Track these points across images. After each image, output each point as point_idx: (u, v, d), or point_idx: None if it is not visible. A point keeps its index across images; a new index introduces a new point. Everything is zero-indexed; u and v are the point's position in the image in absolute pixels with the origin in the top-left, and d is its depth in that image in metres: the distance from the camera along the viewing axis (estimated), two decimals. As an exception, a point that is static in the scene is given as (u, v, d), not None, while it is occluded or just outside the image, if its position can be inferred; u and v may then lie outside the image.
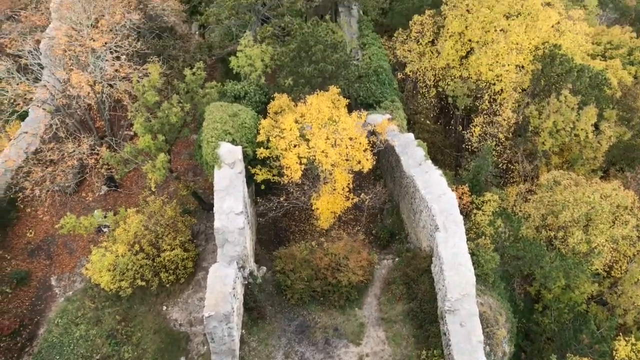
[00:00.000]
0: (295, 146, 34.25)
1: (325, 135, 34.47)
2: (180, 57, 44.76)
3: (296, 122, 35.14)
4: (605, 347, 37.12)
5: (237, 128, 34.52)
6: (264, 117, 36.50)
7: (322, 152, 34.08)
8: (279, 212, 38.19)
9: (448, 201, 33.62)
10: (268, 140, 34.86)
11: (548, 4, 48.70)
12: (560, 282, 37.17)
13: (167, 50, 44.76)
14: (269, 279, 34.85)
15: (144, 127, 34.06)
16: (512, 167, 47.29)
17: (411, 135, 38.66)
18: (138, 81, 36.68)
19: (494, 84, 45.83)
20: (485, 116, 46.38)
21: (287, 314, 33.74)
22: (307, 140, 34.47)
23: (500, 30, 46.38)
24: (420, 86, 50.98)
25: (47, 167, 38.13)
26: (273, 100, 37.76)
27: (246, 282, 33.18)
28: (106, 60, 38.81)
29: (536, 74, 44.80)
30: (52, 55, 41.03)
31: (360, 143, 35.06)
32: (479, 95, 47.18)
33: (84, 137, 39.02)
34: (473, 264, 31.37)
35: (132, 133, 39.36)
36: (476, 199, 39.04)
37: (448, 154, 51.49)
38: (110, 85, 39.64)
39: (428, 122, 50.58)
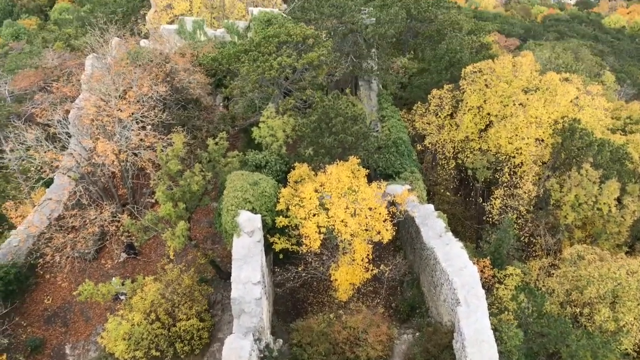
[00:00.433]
0: (314, 215, 34.25)
1: (344, 204, 34.49)
2: (204, 128, 45.81)
3: (316, 191, 35.30)
4: None
5: (257, 196, 34.74)
6: (284, 186, 36.76)
7: (342, 221, 33.99)
8: (296, 283, 37.72)
9: (470, 275, 32.95)
10: (287, 209, 34.95)
11: (566, 80, 49.45)
12: (588, 361, 35.59)
13: (192, 121, 45.90)
14: (285, 352, 33.92)
15: (165, 195, 34.46)
16: (534, 240, 46.51)
17: (431, 207, 38.50)
18: (162, 150, 37.45)
19: (514, 157, 45.90)
20: (505, 189, 46.17)
21: (303, 390, 32.60)
22: (327, 210, 34.48)
23: (519, 104, 46.95)
24: (439, 158, 51.28)
25: (68, 234, 38.48)
26: (293, 169, 38.15)
27: (262, 355, 32.31)
28: (132, 129, 39.85)
29: (556, 147, 44.87)
30: (80, 125, 42.31)
31: (379, 213, 34.95)
32: (499, 168, 47.18)
33: (106, 204, 39.55)
34: (496, 340, 30.33)
35: (153, 201, 39.76)
36: (498, 272, 38.23)
37: (469, 226, 51.02)
38: (135, 154, 40.50)
39: (448, 193, 50.54)
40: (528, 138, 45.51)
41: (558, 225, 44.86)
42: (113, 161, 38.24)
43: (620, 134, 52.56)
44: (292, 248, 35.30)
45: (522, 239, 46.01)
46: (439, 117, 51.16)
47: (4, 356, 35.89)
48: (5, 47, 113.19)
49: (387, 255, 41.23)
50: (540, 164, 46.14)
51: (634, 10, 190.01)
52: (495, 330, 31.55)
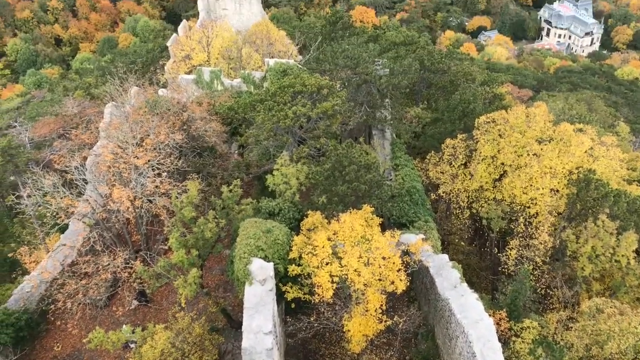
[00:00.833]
0: (327, 264, 33.95)
1: (358, 253, 34.20)
2: (219, 175, 46.21)
3: (329, 239, 35.11)
4: None
5: (270, 244, 34.63)
6: (297, 234, 36.65)
7: (355, 270, 33.63)
8: (308, 333, 37.04)
9: (485, 327, 32.20)
10: (300, 257, 34.72)
11: (580, 130, 49.48)
12: (611, 420, 34.29)
13: (207, 168, 46.37)
14: (296, 405, 33.12)
15: (178, 241, 34.48)
16: (551, 292, 45.59)
17: (445, 257, 38.05)
18: (177, 197, 37.71)
19: (529, 207, 45.56)
20: (521, 239, 45.64)
21: None
22: (340, 259, 34.20)
23: (533, 155, 46.91)
24: (453, 207, 51.04)
25: (81, 280, 38.42)
26: (306, 217, 38.11)
27: (272, 408, 31.52)
28: (148, 177, 40.28)
29: (571, 198, 44.51)
30: (96, 171, 42.89)
31: (393, 263, 34.57)
32: (514, 218, 46.78)
33: (119, 250, 39.62)
34: (514, 396, 29.39)
35: (166, 247, 39.79)
36: (514, 325, 37.36)
37: (484, 277, 50.26)
38: (150, 201, 40.79)
39: (462, 243, 50.06)
40: (543, 188, 45.26)
41: (575, 277, 44.03)
42: (128, 208, 38.50)
43: (637, 185, 52.08)
44: (304, 297, 34.87)
45: (538, 290, 45.15)
46: (453, 166, 51.19)
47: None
48: (27, 95, 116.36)
49: (400, 306, 40.54)
50: (556, 214, 45.70)
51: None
52: (512, 385, 30.62)
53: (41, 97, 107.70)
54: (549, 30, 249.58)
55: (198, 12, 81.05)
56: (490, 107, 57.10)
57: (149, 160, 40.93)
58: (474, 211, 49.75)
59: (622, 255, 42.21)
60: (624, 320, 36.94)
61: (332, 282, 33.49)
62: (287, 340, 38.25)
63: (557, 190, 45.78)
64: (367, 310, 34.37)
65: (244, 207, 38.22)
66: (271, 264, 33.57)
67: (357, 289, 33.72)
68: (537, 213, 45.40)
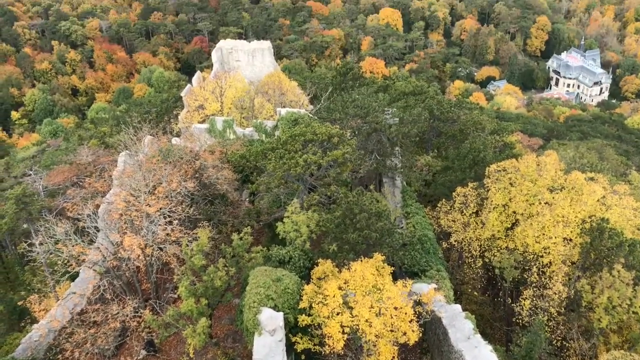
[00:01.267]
0: (338, 314, 33.49)
1: (369, 303, 33.75)
2: (229, 222, 46.28)
3: (340, 288, 34.75)
4: None
5: (280, 293, 34.32)
6: (308, 283, 36.33)
7: (366, 321, 33.12)
8: (319, 385, 36.24)
9: (500, 380, 31.39)
10: (310, 307, 34.30)
11: (592, 179, 49.31)
12: None
13: (218, 216, 46.49)
14: None
15: (188, 290, 34.29)
16: (567, 344, 44.46)
17: (458, 307, 37.43)
18: (187, 245, 37.72)
19: (542, 256, 45.01)
20: (534, 289, 44.91)
21: None
22: (351, 309, 33.75)
23: (545, 203, 46.67)
24: (466, 256, 50.54)
25: (90, 329, 38.11)
26: (317, 265, 37.85)
27: None
28: (159, 224, 40.45)
29: (585, 247, 43.96)
30: (108, 219, 43.13)
31: (405, 313, 34.04)
32: (527, 267, 46.18)
33: (129, 299, 39.41)
34: None
35: (176, 296, 39.54)
36: (531, 378, 36.39)
37: (498, 327, 49.25)
38: (160, 249, 40.81)
39: (475, 293, 49.31)
40: (556, 237, 44.81)
41: (592, 329, 43.01)
42: (139, 255, 38.53)
43: (652, 234, 51.43)
44: (314, 348, 34.27)
45: (554, 342, 44.08)
46: (464, 214, 50.98)
47: None
48: (43, 144, 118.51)
49: (413, 358, 39.70)
50: (570, 263, 45.07)
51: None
52: None
53: (56, 145, 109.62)
54: (557, 80, 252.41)
55: (212, 64, 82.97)
56: (500, 155, 57.26)
57: (160, 208, 41.17)
58: (487, 260, 49.20)
59: (640, 307, 41.36)
60: (644, 374, 35.87)
61: (343, 332, 32.96)
62: (297, 393, 37.37)
63: (570, 239, 45.28)
64: (378, 362, 33.67)
65: (254, 255, 38.10)
66: (281, 313, 33.19)
67: (369, 340, 33.14)
68: (550, 262, 44.80)
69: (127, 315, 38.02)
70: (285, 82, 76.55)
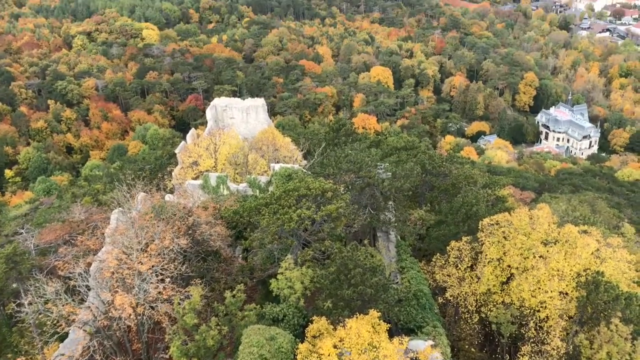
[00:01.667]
0: (333, 373, 32.75)
1: (365, 362, 33.06)
2: (222, 279, 45.71)
3: (335, 347, 34.08)
4: None
5: (274, 353, 33.60)
6: (302, 341, 35.62)
7: (362, 380, 32.37)
8: None
9: None
10: (305, 367, 33.54)
11: (585, 232, 49.41)
12: None
13: (210, 273, 45.98)
14: None
15: (180, 350, 33.57)
16: (569, 402, 43.48)
17: (456, 364, 36.73)
18: (179, 303, 37.13)
19: (539, 311, 44.57)
20: (533, 345, 44.23)
21: None
22: (346, 367, 33.03)
23: (539, 257, 46.57)
24: (462, 311, 49.94)
25: (77, 392, 36.97)
26: (311, 323, 37.21)
27: None
28: (151, 282, 39.91)
29: (582, 301, 43.62)
30: (100, 278, 42.52)
31: (402, 371, 33.32)
32: (524, 322, 45.62)
33: (119, 359, 38.41)
34: None
35: (167, 356, 38.59)
36: None
37: (497, 385, 48.14)
38: (152, 307, 40.12)
39: (473, 349, 48.45)
40: (552, 291, 44.51)
41: (593, 385, 42.13)
42: (130, 314, 37.83)
43: (648, 287, 51.16)
44: (309, 409, 33.31)
45: (555, 400, 43.07)
46: (459, 269, 50.69)
47: None
48: (36, 202, 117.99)
49: (411, 418, 38.49)
50: (567, 318, 44.59)
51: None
52: None
53: (49, 203, 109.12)
54: (547, 134, 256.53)
55: (206, 121, 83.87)
56: (493, 209, 57.45)
57: (152, 266, 40.73)
58: (483, 315, 48.59)
59: (640, 361, 40.70)
60: None
61: (339, 392, 32.12)
62: None
63: (567, 293, 44.96)
64: (375, 423, 32.70)
65: (247, 313, 37.52)
66: (275, 373, 32.41)
67: (365, 399, 32.27)
68: (547, 317, 44.33)
69: (117, 377, 36.99)
70: (279, 137, 77.28)
